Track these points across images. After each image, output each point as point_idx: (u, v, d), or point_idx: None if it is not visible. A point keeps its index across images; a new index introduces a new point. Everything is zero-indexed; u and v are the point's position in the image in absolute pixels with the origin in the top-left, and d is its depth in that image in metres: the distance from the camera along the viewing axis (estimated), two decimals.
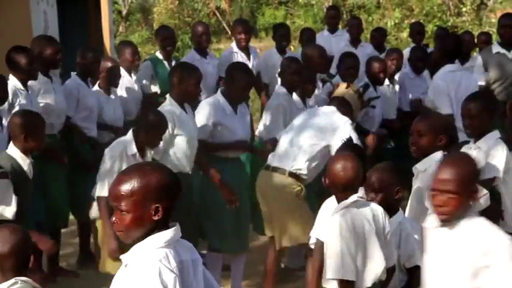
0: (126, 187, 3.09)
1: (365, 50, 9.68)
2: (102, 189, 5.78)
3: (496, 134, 5.41)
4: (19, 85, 6.55)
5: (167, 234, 3.12)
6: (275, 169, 6.33)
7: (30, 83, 6.67)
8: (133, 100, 8.09)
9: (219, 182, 6.37)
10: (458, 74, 7.34)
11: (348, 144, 5.43)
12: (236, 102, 6.62)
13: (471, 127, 5.38)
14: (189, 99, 6.47)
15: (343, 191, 4.33)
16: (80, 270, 7.35)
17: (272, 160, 6.40)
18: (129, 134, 5.91)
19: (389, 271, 4.41)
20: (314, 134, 6.24)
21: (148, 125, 5.86)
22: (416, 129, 4.99)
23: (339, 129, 6.09)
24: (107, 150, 5.91)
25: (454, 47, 7.45)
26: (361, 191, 4.67)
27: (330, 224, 4.29)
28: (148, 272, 3.02)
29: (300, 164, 6.21)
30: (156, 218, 3.09)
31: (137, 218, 3.10)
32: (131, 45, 8.51)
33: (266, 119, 7.04)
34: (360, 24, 10.53)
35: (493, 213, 5.29)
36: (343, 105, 6.36)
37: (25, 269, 3.61)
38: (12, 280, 3.54)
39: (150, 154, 6.01)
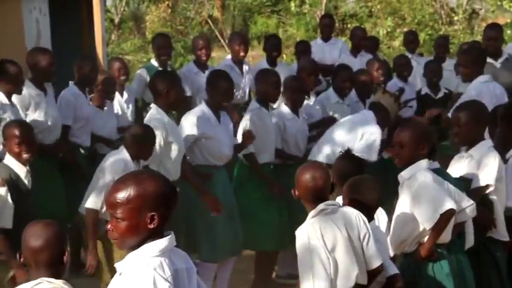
0: (122, 195, 3.09)
1: (365, 60, 9.66)
2: (94, 202, 5.75)
3: (488, 142, 5.44)
4: (4, 99, 6.53)
5: (162, 242, 3.11)
6: None
7: (16, 96, 6.66)
8: (123, 114, 8.09)
9: (203, 191, 6.42)
10: (492, 84, 7.33)
11: (345, 155, 5.44)
12: (217, 108, 6.65)
13: (459, 135, 5.41)
14: (176, 107, 6.53)
15: (314, 201, 4.30)
16: (71, 278, 7.28)
17: (311, 156, 6.96)
18: (123, 151, 5.88)
19: (372, 274, 4.37)
20: (348, 133, 6.95)
21: (139, 139, 5.84)
22: (397, 140, 4.98)
23: (364, 137, 6.92)
24: (106, 165, 5.85)
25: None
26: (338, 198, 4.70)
27: (298, 234, 4.27)
28: (143, 281, 3.01)
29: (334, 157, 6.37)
30: (151, 226, 3.09)
31: (133, 226, 3.09)
32: (118, 60, 8.64)
33: (239, 130, 7.04)
34: (364, 34, 10.55)
35: (486, 221, 5.31)
36: (380, 110, 7.20)
37: (60, 265, 3.52)
38: (38, 280, 3.46)
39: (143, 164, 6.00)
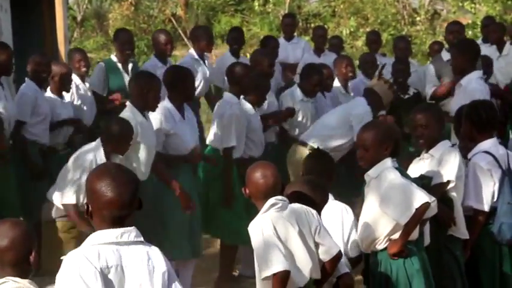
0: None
1: (328, 59, 9.72)
2: (68, 197, 5.86)
3: (447, 142, 5.53)
4: None
5: (108, 233, 3.18)
6: (303, 143, 7.34)
7: None
8: (86, 106, 8.03)
9: (180, 191, 6.35)
10: (482, 81, 7.36)
11: (316, 153, 5.46)
12: (180, 104, 6.60)
13: (424, 137, 5.44)
14: (150, 108, 6.41)
15: (264, 198, 4.32)
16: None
17: (304, 137, 7.47)
18: (97, 142, 5.89)
19: (331, 262, 4.37)
20: (340, 119, 7.47)
21: (118, 134, 5.89)
22: (360, 143, 5.02)
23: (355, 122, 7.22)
24: (74, 158, 5.88)
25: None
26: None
27: (251, 228, 4.29)
28: (69, 266, 3.09)
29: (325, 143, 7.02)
30: (86, 215, 3.24)
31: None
32: (79, 51, 8.53)
33: (218, 128, 6.99)
34: (326, 34, 10.59)
35: (446, 219, 5.37)
36: (372, 95, 7.51)
37: (26, 264, 3.51)
38: (3, 279, 3.45)
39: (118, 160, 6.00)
